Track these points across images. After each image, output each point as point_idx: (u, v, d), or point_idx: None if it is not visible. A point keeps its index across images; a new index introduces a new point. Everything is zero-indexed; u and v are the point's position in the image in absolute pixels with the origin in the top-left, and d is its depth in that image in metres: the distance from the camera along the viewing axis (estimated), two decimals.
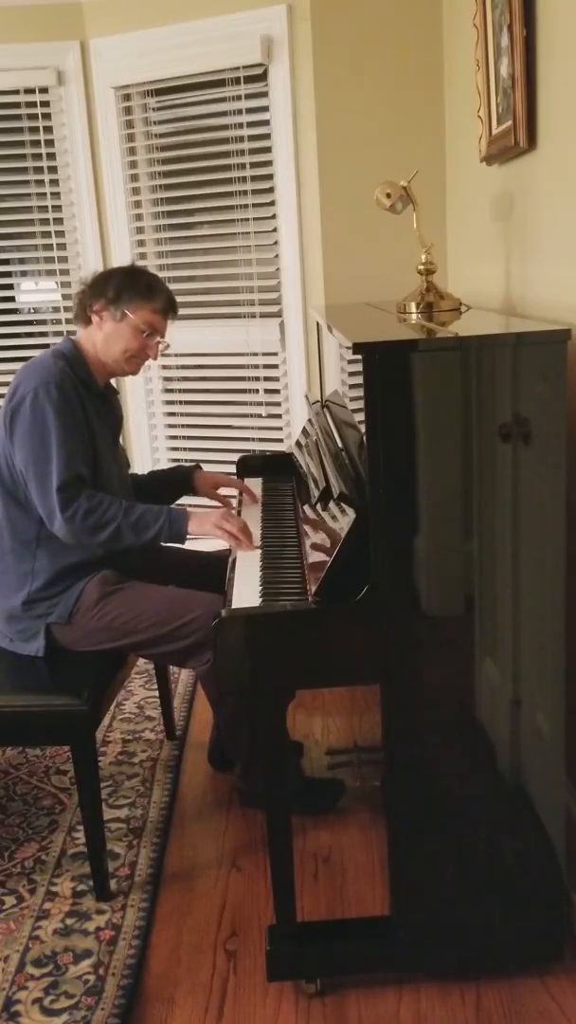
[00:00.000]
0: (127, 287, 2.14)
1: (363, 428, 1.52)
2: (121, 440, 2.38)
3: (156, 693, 2.84)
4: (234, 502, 2.48)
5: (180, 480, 2.52)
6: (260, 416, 3.51)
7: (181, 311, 2.31)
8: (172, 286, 2.31)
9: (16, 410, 2.05)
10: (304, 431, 2.51)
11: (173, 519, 2.08)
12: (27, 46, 3.39)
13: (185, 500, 2.50)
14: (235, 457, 2.83)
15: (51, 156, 3.54)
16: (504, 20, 2.06)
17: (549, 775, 1.66)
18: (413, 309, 2.12)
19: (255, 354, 3.44)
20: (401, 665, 1.59)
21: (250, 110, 3.21)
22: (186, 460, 3.67)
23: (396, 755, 1.64)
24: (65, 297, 3.70)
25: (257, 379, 3.49)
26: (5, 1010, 1.72)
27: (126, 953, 1.86)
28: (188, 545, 2.24)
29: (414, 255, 2.15)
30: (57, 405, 2.03)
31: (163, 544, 2.15)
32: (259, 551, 2.04)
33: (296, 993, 1.74)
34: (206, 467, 2.59)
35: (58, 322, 3.73)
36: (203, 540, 2.21)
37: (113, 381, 2.33)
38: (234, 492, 2.52)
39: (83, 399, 2.11)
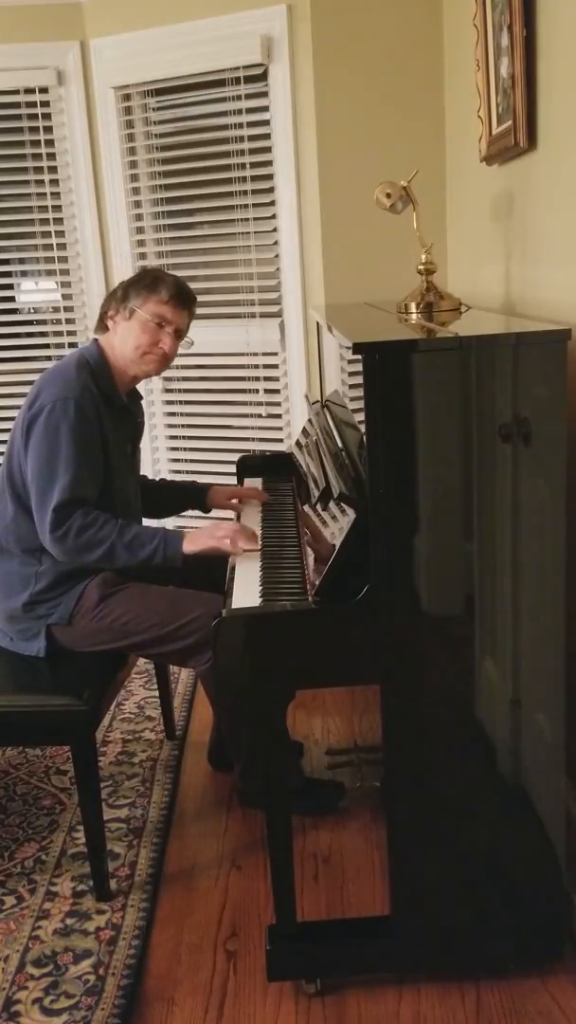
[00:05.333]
0: (133, 285, 2.18)
1: (363, 428, 1.52)
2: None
3: (156, 693, 2.84)
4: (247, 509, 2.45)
5: (193, 495, 2.51)
6: (260, 416, 3.50)
7: None
8: None
9: (33, 421, 2.05)
10: (304, 431, 2.51)
11: (169, 540, 2.05)
12: (27, 46, 3.39)
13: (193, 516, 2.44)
14: (235, 457, 2.83)
15: (51, 156, 3.54)
16: (504, 20, 2.06)
17: (549, 775, 1.66)
18: (413, 309, 2.12)
19: (255, 354, 3.44)
20: (401, 665, 1.59)
21: (250, 110, 3.20)
22: (186, 461, 3.67)
23: (396, 755, 1.64)
24: (65, 297, 3.70)
25: (257, 379, 3.48)
26: (5, 1010, 1.73)
27: (126, 953, 1.86)
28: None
29: (414, 255, 2.15)
30: (73, 423, 2.02)
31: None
32: (259, 551, 2.04)
33: (296, 993, 1.74)
34: (205, 467, 2.58)
35: (58, 322, 3.73)
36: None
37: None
38: (251, 501, 2.49)
39: (101, 415, 2.10)
